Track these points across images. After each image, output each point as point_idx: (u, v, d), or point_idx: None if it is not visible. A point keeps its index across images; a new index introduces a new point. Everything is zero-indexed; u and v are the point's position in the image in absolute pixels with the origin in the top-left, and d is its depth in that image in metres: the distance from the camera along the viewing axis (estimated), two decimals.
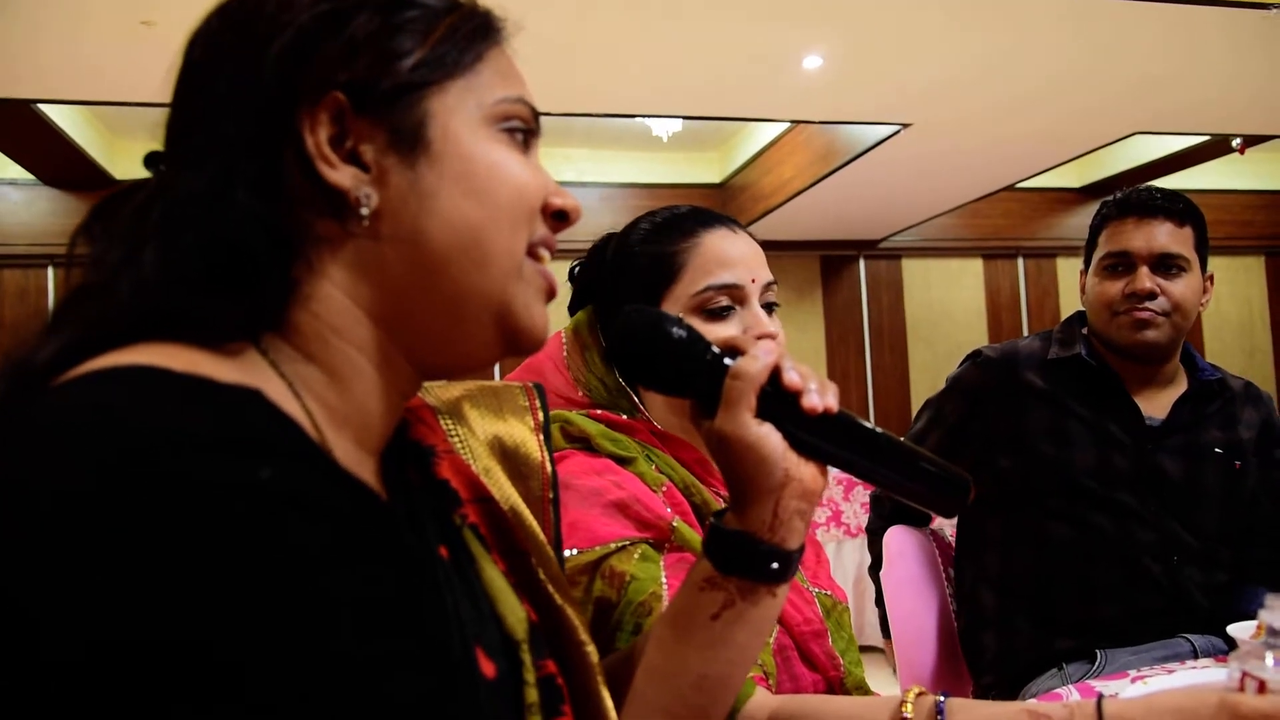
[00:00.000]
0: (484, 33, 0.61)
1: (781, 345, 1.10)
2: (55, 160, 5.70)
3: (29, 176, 6.10)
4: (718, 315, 1.07)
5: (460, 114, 0.58)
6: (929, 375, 7.64)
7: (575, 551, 0.94)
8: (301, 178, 0.55)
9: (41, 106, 4.88)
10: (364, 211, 0.55)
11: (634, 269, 1.11)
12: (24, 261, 6.19)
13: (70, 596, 0.37)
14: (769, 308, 1.10)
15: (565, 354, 1.14)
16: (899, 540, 1.89)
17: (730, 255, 1.08)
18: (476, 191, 0.58)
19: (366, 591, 0.43)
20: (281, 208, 0.54)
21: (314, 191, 0.55)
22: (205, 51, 0.57)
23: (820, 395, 0.70)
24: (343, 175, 0.55)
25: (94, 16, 3.55)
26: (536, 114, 0.63)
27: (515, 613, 0.64)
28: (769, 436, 0.70)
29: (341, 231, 0.56)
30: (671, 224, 1.12)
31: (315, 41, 0.55)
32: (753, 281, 1.08)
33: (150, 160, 0.59)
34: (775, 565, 0.71)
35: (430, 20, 0.59)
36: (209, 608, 0.38)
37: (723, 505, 1.05)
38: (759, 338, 1.06)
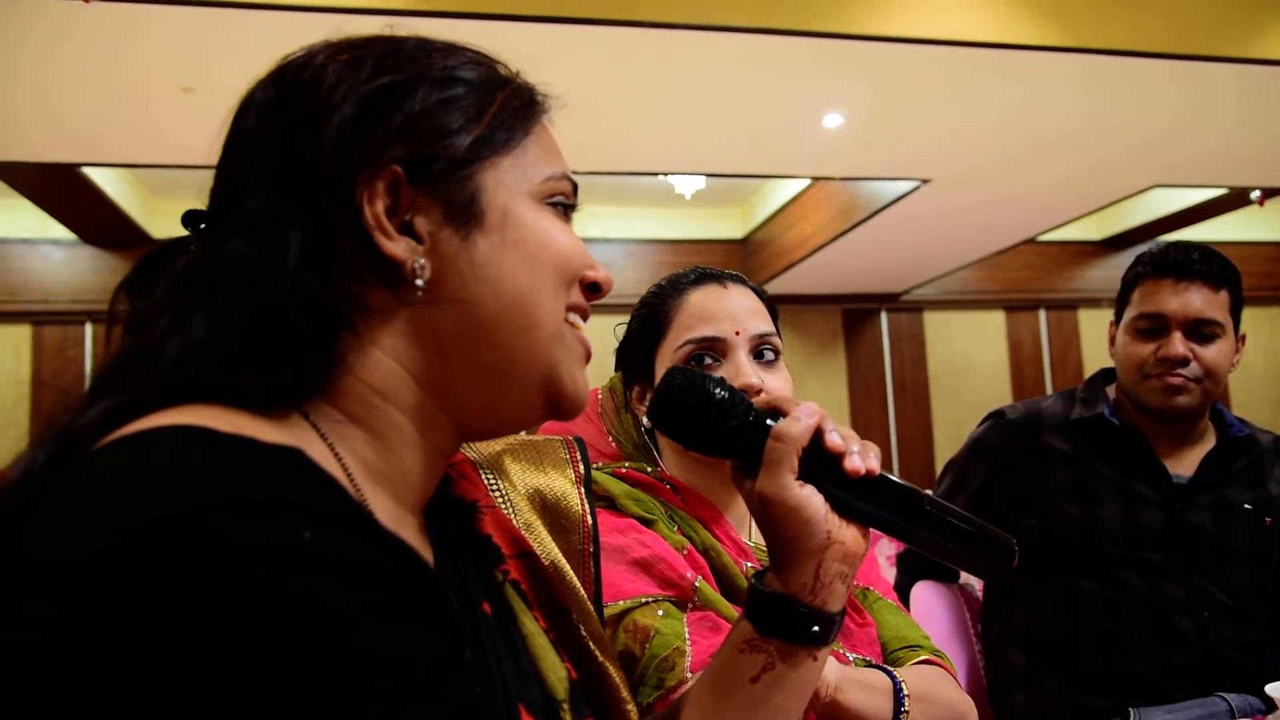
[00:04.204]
0: (531, 109, 0.63)
1: (776, 394, 1.13)
2: (96, 220, 5.88)
3: (71, 236, 6.29)
4: (699, 367, 1.09)
5: (510, 188, 0.60)
6: (952, 428, 7.60)
7: None
8: (355, 248, 0.55)
9: (84, 169, 5.04)
10: (419, 283, 0.56)
11: (635, 328, 1.18)
12: (64, 318, 6.35)
13: (115, 654, 0.37)
14: (760, 354, 1.11)
15: (600, 408, 1.20)
16: (927, 596, 1.88)
17: (711, 310, 1.11)
18: (527, 259, 0.60)
19: (411, 654, 0.42)
20: (332, 279, 0.54)
21: (367, 262, 0.56)
22: (260, 120, 0.58)
23: (862, 457, 0.70)
24: (399, 246, 0.56)
25: (136, 83, 3.70)
26: (576, 188, 0.66)
27: (556, 671, 0.64)
28: (811, 498, 0.69)
29: (393, 301, 0.57)
30: (670, 284, 1.18)
31: (374, 115, 0.56)
32: (737, 334, 1.10)
33: (190, 219, 0.59)
34: (816, 628, 0.70)
35: (484, 97, 0.60)
36: (253, 670, 0.38)
37: (741, 569, 1.08)
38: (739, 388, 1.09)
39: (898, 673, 1.03)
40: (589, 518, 0.78)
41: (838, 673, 0.96)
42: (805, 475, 0.70)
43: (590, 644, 0.70)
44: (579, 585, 0.73)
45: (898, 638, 1.14)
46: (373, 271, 0.56)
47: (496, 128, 0.60)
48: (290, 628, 0.39)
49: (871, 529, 0.73)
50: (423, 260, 0.57)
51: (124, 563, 0.39)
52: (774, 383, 1.10)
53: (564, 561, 0.73)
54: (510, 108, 0.62)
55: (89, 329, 6.40)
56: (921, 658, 1.11)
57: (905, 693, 1.01)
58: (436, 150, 0.57)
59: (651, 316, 1.15)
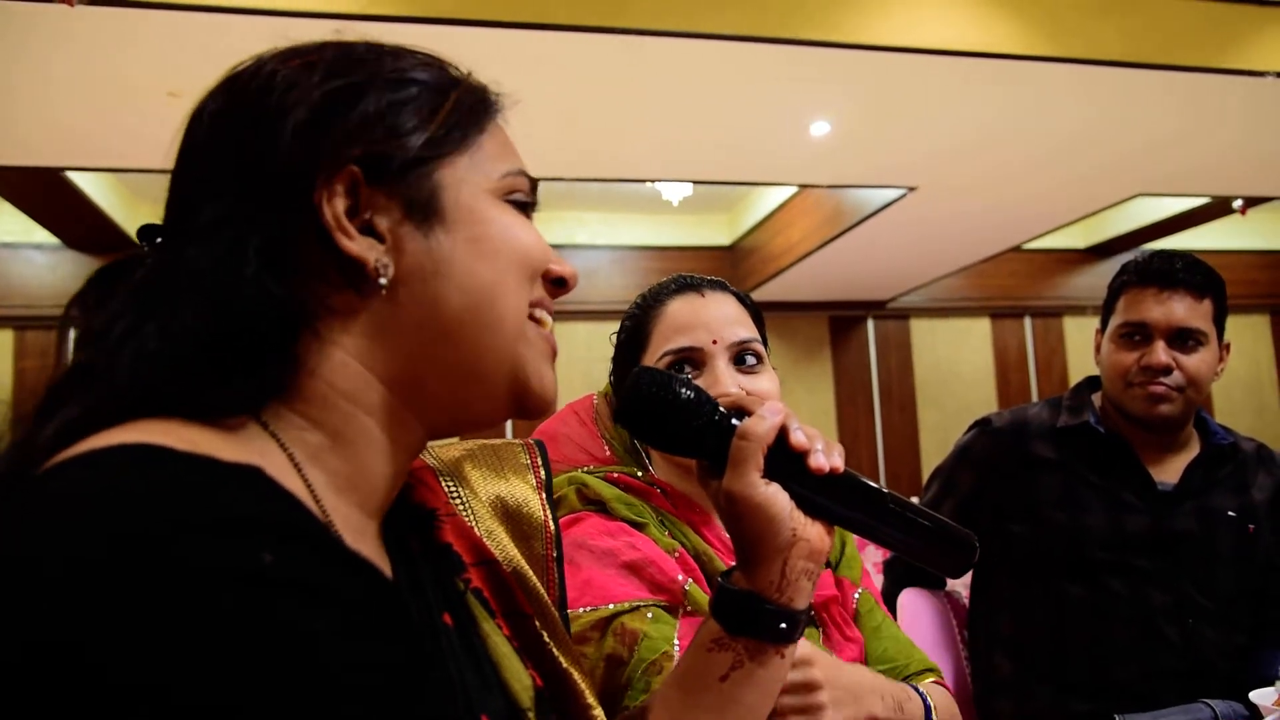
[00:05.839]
0: (484, 108, 0.64)
1: (756, 397, 1.14)
2: (80, 225, 5.84)
3: (54, 240, 6.24)
4: None
5: (469, 185, 0.60)
6: (938, 435, 7.63)
7: (588, 609, 0.96)
8: (315, 250, 0.55)
9: (68, 173, 5.01)
10: (383, 281, 0.56)
11: (622, 339, 1.19)
12: (48, 323, 6.33)
13: (72, 673, 0.37)
14: (741, 360, 1.11)
15: (595, 413, 1.21)
16: (913, 603, 1.88)
17: (686, 321, 1.11)
18: (489, 254, 0.60)
19: (374, 674, 0.42)
20: (292, 281, 0.54)
21: (328, 263, 0.56)
22: (213, 129, 0.57)
23: (826, 455, 0.71)
24: (360, 246, 0.56)
25: (122, 88, 3.67)
26: (534, 186, 0.66)
27: (520, 679, 0.64)
28: (777, 496, 0.70)
29: (356, 301, 0.57)
30: (652, 293, 1.18)
31: (328, 118, 0.56)
32: (714, 343, 1.10)
33: (146, 233, 0.59)
34: (784, 625, 0.71)
35: (436, 96, 0.60)
36: (217, 696, 0.38)
37: None
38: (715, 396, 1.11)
39: (922, 688, 1.08)
40: (551, 524, 0.77)
41: (890, 689, 1.00)
42: (771, 473, 0.71)
43: (554, 650, 0.70)
44: (542, 591, 0.72)
45: (917, 660, 1.15)
46: (336, 272, 0.56)
47: (452, 126, 0.60)
48: (256, 651, 0.39)
49: (836, 526, 0.74)
50: (385, 259, 0.57)
51: (88, 584, 0.38)
52: (756, 387, 1.09)
53: (526, 568, 0.73)
54: (464, 106, 0.62)
55: (73, 334, 6.35)
56: (933, 680, 1.13)
57: (933, 707, 1.03)
58: (392, 149, 0.57)
59: (634, 329, 1.16)
